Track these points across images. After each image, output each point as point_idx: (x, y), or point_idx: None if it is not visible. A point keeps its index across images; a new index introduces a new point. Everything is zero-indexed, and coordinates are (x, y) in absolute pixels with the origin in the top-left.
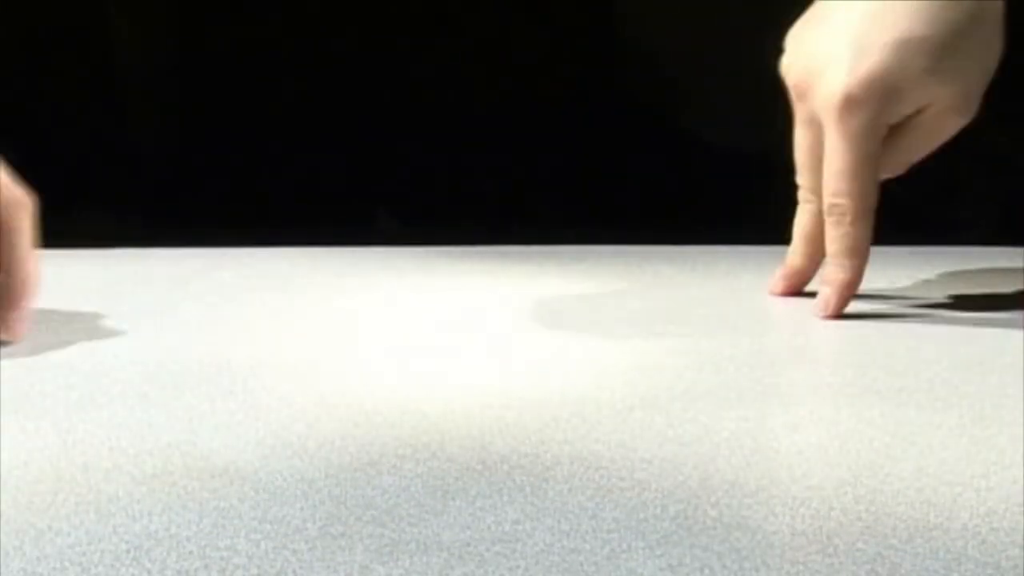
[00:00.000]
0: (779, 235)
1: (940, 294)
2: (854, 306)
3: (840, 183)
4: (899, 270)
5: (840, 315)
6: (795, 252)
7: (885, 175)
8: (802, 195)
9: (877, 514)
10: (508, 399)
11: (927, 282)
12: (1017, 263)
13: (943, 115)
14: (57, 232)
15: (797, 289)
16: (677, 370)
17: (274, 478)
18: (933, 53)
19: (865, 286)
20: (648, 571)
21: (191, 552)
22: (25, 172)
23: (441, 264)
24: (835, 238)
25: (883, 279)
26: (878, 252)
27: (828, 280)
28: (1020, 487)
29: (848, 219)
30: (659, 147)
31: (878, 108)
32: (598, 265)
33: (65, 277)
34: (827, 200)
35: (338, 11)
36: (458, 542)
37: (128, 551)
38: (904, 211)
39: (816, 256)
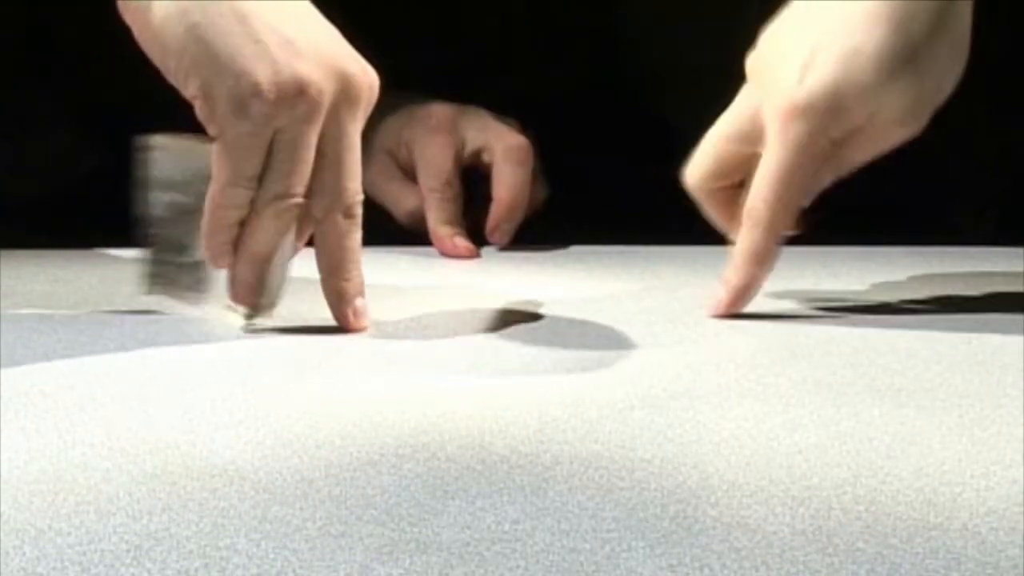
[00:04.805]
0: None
1: (940, 294)
2: (854, 306)
3: (766, 188)
4: (899, 270)
5: (732, 314)
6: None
7: (826, 179)
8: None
9: (877, 514)
10: (508, 399)
11: (927, 282)
12: (1017, 263)
13: (887, 127)
14: (57, 232)
15: None
16: (677, 370)
17: (274, 478)
18: (885, 66)
19: (866, 286)
20: (648, 571)
21: (191, 552)
22: (23, 170)
23: (440, 265)
24: (744, 239)
25: (883, 279)
26: (878, 252)
27: (725, 281)
28: (1020, 487)
29: (761, 226)
30: (660, 148)
31: (823, 121)
32: (598, 265)
33: (65, 277)
34: (749, 202)
35: (337, 8)
36: (458, 542)
37: (128, 551)
38: (904, 211)
39: None
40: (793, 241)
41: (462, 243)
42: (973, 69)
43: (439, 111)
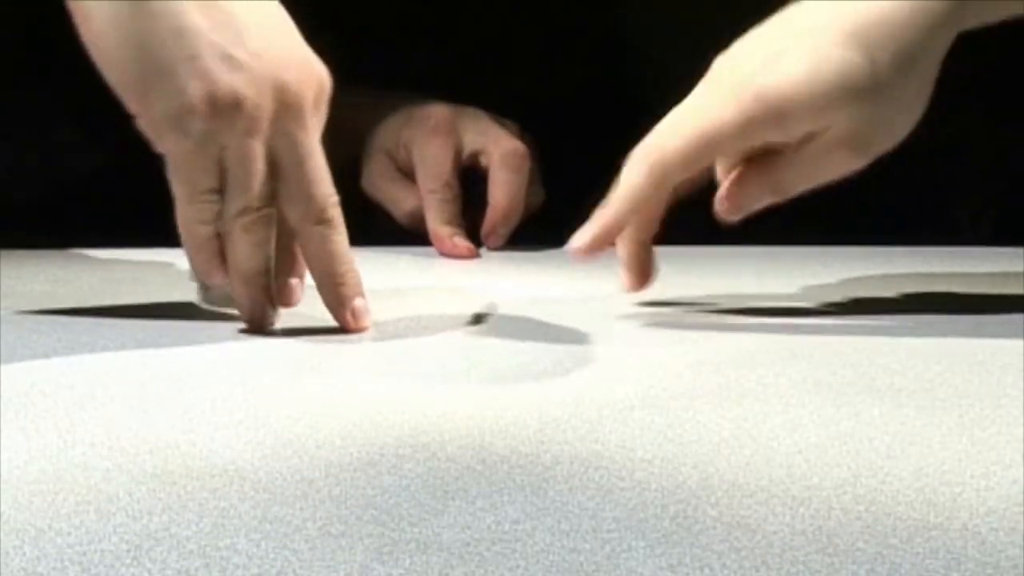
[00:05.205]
0: (779, 237)
1: (940, 294)
2: (854, 306)
3: (672, 134)
4: (899, 270)
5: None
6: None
7: (766, 198)
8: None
9: (877, 514)
10: (508, 399)
11: (927, 282)
12: (1017, 263)
13: (832, 148)
14: (57, 232)
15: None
16: (677, 370)
17: (274, 478)
18: (845, 85)
19: (866, 286)
20: (648, 571)
21: (191, 552)
22: (23, 170)
23: (440, 265)
24: (623, 176)
25: (883, 279)
26: (878, 252)
27: (593, 218)
28: (1020, 487)
29: (646, 162)
30: None
31: (766, 115)
32: (598, 265)
33: (65, 277)
34: (648, 138)
35: (338, 9)
36: (458, 542)
37: (128, 551)
38: (904, 211)
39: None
40: (796, 242)
41: (462, 243)
42: (971, 70)
43: (438, 112)
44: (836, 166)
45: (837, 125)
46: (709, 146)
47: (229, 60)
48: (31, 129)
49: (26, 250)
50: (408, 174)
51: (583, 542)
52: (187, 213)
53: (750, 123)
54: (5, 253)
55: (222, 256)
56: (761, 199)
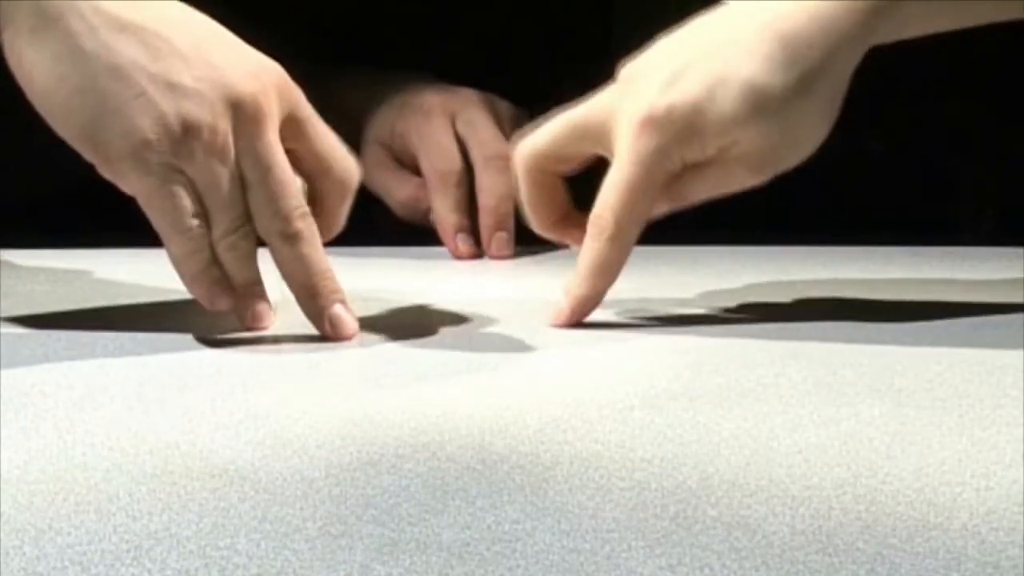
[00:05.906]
0: (779, 236)
1: (940, 294)
2: (855, 306)
3: (614, 198)
4: (899, 270)
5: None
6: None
7: (665, 205)
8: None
9: (877, 514)
10: (508, 399)
11: (927, 282)
12: (1017, 263)
13: (734, 166)
14: (57, 232)
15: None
16: (677, 370)
17: (274, 478)
18: (749, 101)
19: (866, 286)
20: (648, 571)
21: (191, 552)
22: (23, 170)
23: (441, 265)
24: (588, 249)
25: (883, 279)
26: (878, 252)
27: (567, 291)
28: (1020, 487)
29: (605, 235)
30: None
31: (676, 137)
32: None
33: (65, 277)
34: (596, 211)
35: (338, 10)
36: (458, 542)
37: (128, 551)
38: (904, 211)
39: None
40: (796, 242)
41: (464, 246)
42: (972, 69)
43: (431, 99)
44: (737, 181)
45: (744, 143)
46: (652, 187)
47: (175, 88)
48: (31, 129)
49: (26, 250)
50: (404, 163)
51: (583, 542)
52: (175, 249)
53: (666, 155)
54: (5, 253)
55: (222, 282)
56: (660, 207)
